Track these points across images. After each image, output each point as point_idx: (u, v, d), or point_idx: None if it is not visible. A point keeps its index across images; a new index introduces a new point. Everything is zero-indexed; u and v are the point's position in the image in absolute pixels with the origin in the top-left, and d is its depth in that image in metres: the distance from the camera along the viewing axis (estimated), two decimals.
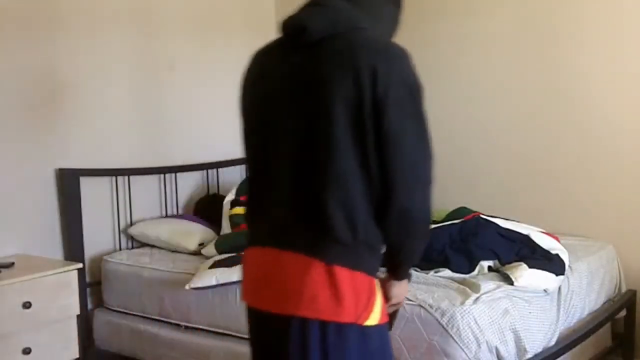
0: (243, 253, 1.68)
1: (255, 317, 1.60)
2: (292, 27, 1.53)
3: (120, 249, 3.71)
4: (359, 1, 1.57)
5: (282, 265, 1.49)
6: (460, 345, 2.44)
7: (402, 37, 1.51)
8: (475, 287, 2.63)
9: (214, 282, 2.98)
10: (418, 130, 1.48)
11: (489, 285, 2.68)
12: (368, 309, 1.47)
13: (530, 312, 2.62)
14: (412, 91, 1.47)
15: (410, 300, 2.58)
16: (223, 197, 3.87)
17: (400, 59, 1.47)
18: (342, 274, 1.44)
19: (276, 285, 1.50)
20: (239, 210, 3.70)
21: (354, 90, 1.42)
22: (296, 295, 1.46)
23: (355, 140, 1.42)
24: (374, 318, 1.48)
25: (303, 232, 1.48)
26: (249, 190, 1.68)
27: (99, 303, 3.57)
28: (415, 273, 2.89)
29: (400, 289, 1.64)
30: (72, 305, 3.09)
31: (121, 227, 3.74)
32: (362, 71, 1.41)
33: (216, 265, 3.08)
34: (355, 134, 1.42)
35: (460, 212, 3.24)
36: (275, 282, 1.51)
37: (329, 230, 1.44)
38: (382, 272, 1.62)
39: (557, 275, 2.77)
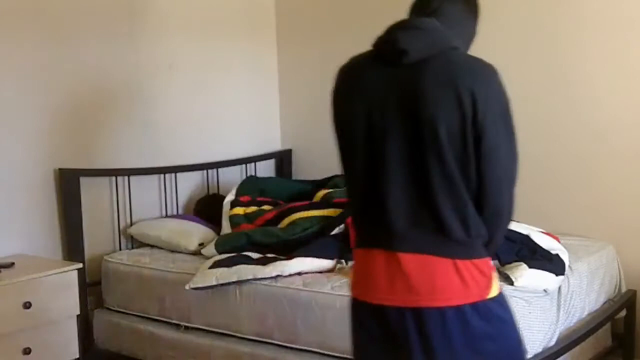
0: (356, 253, 1.78)
1: (379, 313, 1.69)
2: (392, 50, 1.68)
3: (120, 249, 3.70)
4: (448, 18, 1.72)
5: (410, 265, 1.65)
6: None
7: None
8: None
9: (214, 282, 2.98)
10: (511, 140, 1.66)
11: None
12: (489, 285, 1.67)
13: (530, 312, 2.61)
14: (505, 108, 1.64)
15: None
16: (223, 197, 3.87)
17: (493, 78, 1.64)
18: (465, 265, 1.64)
19: (405, 283, 1.65)
20: (239, 210, 3.71)
21: (456, 109, 1.58)
22: (429, 288, 1.63)
23: (457, 150, 1.59)
24: (495, 290, 1.68)
25: (423, 235, 1.65)
26: (353, 194, 1.85)
27: (99, 303, 3.57)
28: None
29: None
30: (72, 305, 3.09)
31: (121, 227, 3.74)
32: (462, 94, 1.57)
33: (216, 265, 3.08)
34: (457, 146, 1.59)
35: None
36: (403, 280, 1.65)
37: (447, 232, 1.62)
38: None
39: (557, 275, 2.77)
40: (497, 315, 1.69)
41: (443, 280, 1.64)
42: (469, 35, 1.81)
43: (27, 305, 2.89)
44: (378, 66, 1.73)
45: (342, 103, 1.78)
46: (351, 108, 1.73)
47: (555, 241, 3.04)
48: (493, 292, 1.68)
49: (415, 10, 1.83)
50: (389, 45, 1.70)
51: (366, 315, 1.74)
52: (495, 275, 1.72)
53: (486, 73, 1.63)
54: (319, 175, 4.15)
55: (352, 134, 1.75)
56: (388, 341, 1.70)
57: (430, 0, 1.78)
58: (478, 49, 1.70)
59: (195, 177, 4.16)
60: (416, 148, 1.61)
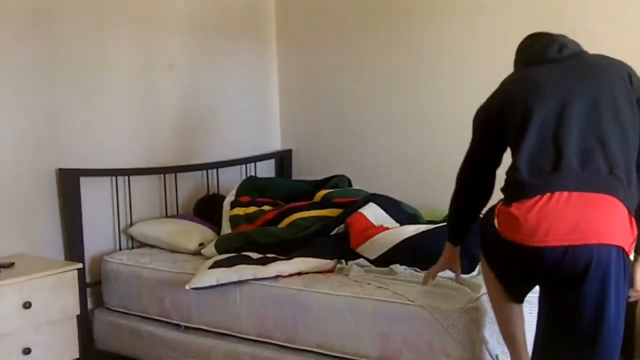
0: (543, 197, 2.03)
1: (558, 253, 1.99)
2: (568, 52, 2.21)
3: (120, 249, 3.71)
4: None
5: (605, 206, 2.01)
6: (460, 345, 2.44)
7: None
8: (475, 287, 2.63)
9: (214, 282, 2.98)
10: None
11: None
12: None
13: (530, 312, 2.61)
14: None
15: (410, 301, 2.58)
16: (223, 197, 3.87)
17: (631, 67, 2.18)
18: (630, 215, 2.03)
19: (605, 223, 2.00)
20: (239, 210, 3.70)
21: (624, 85, 2.10)
22: (615, 229, 2.00)
23: (631, 113, 2.08)
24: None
25: (610, 181, 2.02)
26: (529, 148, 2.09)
27: (99, 303, 3.58)
28: (415, 273, 2.89)
29: None
30: (72, 305, 3.09)
31: (121, 227, 3.75)
32: (623, 74, 2.12)
33: (216, 265, 3.07)
34: (630, 109, 2.07)
35: None
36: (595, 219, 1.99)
37: (622, 181, 2.03)
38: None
39: None
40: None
41: (623, 224, 2.02)
42: None
43: (27, 305, 2.89)
44: (550, 64, 2.22)
45: (535, 92, 2.16)
46: (546, 91, 2.16)
47: None
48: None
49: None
50: (560, 48, 2.25)
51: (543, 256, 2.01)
52: None
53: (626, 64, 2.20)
54: (319, 175, 4.15)
55: (543, 107, 2.12)
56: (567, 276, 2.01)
57: None
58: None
59: (195, 177, 4.16)
60: (601, 110, 2.07)
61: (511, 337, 2.37)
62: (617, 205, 2.01)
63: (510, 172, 2.11)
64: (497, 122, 2.20)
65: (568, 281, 2.02)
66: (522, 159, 2.07)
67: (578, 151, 2.03)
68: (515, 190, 2.07)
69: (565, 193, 2.00)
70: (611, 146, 2.03)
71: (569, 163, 2.02)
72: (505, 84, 2.27)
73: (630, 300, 2.18)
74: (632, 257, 2.11)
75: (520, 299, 2.33)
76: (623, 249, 2.01)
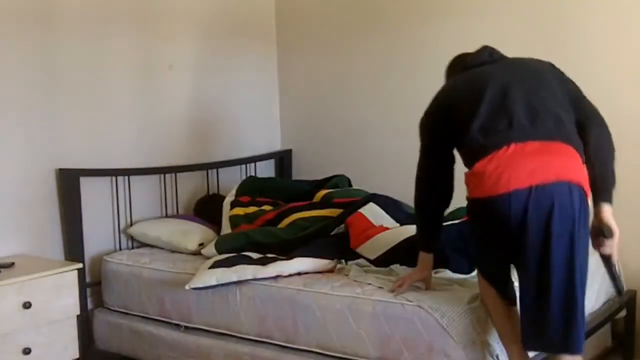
0: (507, 149, 2.22)
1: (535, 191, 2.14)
2: (497, 55, 2.57)
3: (120, 249, 3.71)
4: None
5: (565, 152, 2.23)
6: (460, 345, 2.44)
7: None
8: (475, 288, 2.63)
9: (214, 282, 2.98)
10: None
11: None
12: None
13: None
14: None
15: (410, 301, 2.58)
16: (223, 197, 3.87)
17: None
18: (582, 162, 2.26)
19: (562, 164, 2.20)
20: (239, 210, 3.70)
21: (552, 70, 2.45)
22: (572, 168, 2.20)
23: (562, 94, 2.36)
24: None
25: (560, 131, 2.26)
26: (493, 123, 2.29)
27: (99, 303, 3.58)
28: None
29: None
30: (72, 305, 3.09)
31: (121, 227, 3.75)
32: (551, 66, 2.47)
33: (216, 265, 3.07)
34: (562, 91, 2.37)
35: (460, 212, 3.23)
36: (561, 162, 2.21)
37: (570, 132, 2.28)
38: None
39: None
40: None
41: (583, 168, 2.25)
42: None
43: (27, 305, 2.89)
44: (482, 66, 2.53)
45: (477, 92, 2.37)
46: (487, 88, 2.38)
47: None
48: None
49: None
50: (486, 54, 2.60)
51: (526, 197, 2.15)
52: None
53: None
54: (319, 175, 4.15)
55: (491, 100, 2.35)
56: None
57: None
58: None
59: (195, 177, 4.16)
60: (542, 94, 2.34)
61: (509, 337, 2.38)
62: (570, 150, 2.23)
63: (468, 145, 2.30)
64: (445, 117, 2.43)
65: (535, 241, 2.15)
66: (475, 128, 2.27)
67: (526, 111, 2.25)
68: (476, 154, 2.25)
69: (521, 143, 2.20)
70: (553, 107, 2.28)
71: (520, 121, 2.24)
72: (448, 86, 2.57)
73: (605, 252, 2.34)
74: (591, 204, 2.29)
75: (510, 291, 2.41)
76: (583, 189, 2.20)
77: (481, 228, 2.34)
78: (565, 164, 2.20)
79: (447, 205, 2.56)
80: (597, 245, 2.33)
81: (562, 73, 2.46)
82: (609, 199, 2.32)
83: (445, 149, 2.46)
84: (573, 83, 2.45)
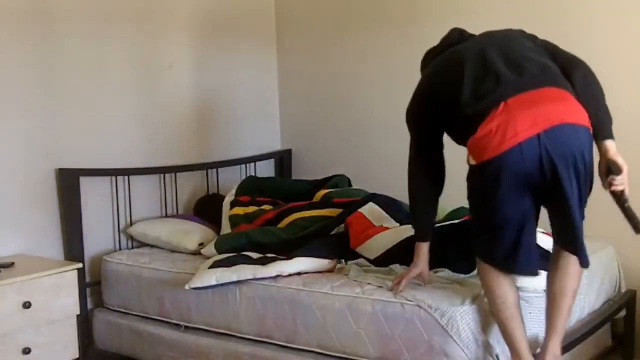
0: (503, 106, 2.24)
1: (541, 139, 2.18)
2: (468, 35, 2.64)
3: (120, 249, 3.71)
4: None
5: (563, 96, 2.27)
6: (460, 345, 2.44)
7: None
8: (475, 288, 2.63)
9: (214, 282, 2.98)
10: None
11: None
12: None
13: (530, 313, 2.61)
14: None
15: (410, 301, 2.58)
16: (223, 197, 3.87)
17: None
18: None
19: (561, 108, 2.23)
20: (239, 210, 3.70)
21: (528, 36, 2.49)
22: (572, 110, 2.25)
23: (537, 47, 2.44)
24: None
25: (549, 77, 2.30)
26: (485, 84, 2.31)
27: (99, 303, 3.58)
28: None
29: None
30: (72, 305, 3.09)
31: (121, 227, 3.75)
32: (525, 33, 2.51)
33: (216, 265, 3.07)
34: (537, 45, 2.46)
35: (460, 212, 3.24)
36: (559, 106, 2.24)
37: (559, 76, 2.33)
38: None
39: None
40: None
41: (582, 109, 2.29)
42: None
43: (27, 305, 2.89)
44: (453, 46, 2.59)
45: (458, 71, 2.41)
46: (467, 66, 2.43)
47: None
48: None
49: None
50: (456, 34, 2.68)
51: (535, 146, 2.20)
52: None
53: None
54: (319, 175, 4.15)
55: (476, 71, 2.40)
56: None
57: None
58: None
59: (195, 177, 4.16)
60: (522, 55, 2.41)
61: (509, 329, 2.39)
62: (563, 93, 2.27)
63: (462, 118, 2.31)
64: (431, 102, 2.49)
65: (552, 179, 2.22)
66: (466, 98, 2.29)
67: (509, 66, 2.29)
68: (473, 122, 2.26)
69: (514, 97, 2.22)
70: (533, 56, 2.34)
71: (507, 76, 2.27)
72: (426, 73, 2.62)
73: (617, 189, 2.32)
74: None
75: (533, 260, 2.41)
76: (587, 128, 2.26)
77: (494, 191, 2.27)
78: (564, 108, 2.23)
79: (440, 191, 2.61)
80: (608, 185, 2.33)
81: (534, 35, 2.51)
82: (610, 136, 2.33)
83: (435, 135, 2.54)
84: (546, 40, 2.50)
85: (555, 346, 2.44)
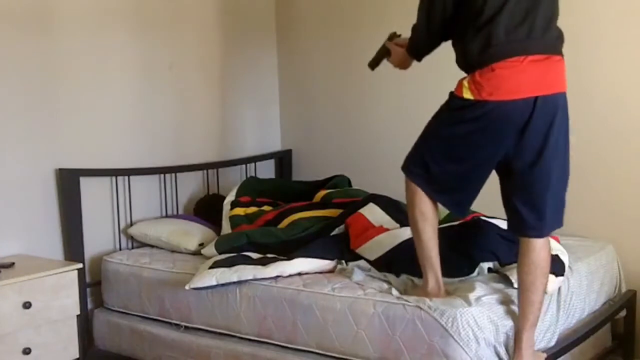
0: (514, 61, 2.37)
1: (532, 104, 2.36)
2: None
3: (120, 249, 3.71)
4: None
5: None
6: (461, 346, 2.44)
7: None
8: (475, 289, 2.63)
9: (214, 282, 2.98)
10: None
11: (489, 286, 2.69)
12: None
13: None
14: None
15: (410, 302, 2.58)
16: (223, 197, 3.87)
17: None
18: None
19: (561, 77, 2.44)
20: (239, 211, 3.70)
21: None
22: (564, 80, 2.45)
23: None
24: None
25: (558, 44, 2.46)
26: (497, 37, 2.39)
27: (99, 303, 3.58)
28: (409, 279, 2.89)
29: None
30: (72, 305, 3.09)
31: (121, 227, 3.75)
32: None
33: (216, 265, 3.07)
34: None
35: None
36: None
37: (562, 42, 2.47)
38: None
39: (557, 276, 2.76)
40: None
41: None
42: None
43: (27, 305, 2.90)
44: None
45: None
46: None
47: (554, 241, 3.04)
48: None
49: None
50: None
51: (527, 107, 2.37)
52: None
53: None
54: (319, 176, 4.15)
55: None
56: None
57: None
58: None
59: (195, 177, 4.16)
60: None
61: (427, 249, 2.61)
62: (563, 63, 2.44)
63: (485, 40, 2.37)
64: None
65: (535, 146, 2.39)
66: (501, 27, 2.34)
67: (542, 21, 2.38)
68: (496, 53, 2.35)
69: (533, 56, 2.35)
70: (556, 18, 2.46)
71: (536, 34, 2.37)
72: None
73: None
74: None
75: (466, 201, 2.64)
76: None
77: (472, 131, 2.43)
78: (563, 78, 2.44)
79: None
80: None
81: None
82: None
83: (443, 32, 2.57)
84: None
85: (531, 337, 2.50)
